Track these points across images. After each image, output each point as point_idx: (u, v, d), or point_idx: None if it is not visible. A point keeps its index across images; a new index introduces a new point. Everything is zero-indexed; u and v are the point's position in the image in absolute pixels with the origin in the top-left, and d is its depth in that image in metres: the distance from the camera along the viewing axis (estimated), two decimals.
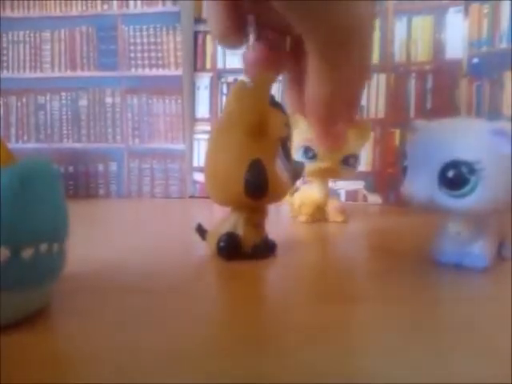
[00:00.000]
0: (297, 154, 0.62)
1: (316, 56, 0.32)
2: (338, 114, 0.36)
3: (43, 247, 0.27)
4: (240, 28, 0.35)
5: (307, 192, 0.68)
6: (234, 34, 0.36)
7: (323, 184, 0.66)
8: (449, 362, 0.24)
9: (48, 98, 0.99)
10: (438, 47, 0.89)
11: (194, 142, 0.98)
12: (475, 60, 0.85)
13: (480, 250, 0.40)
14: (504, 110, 0.79)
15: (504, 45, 0.80)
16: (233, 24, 0.35)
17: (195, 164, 0.97)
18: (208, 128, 0.97)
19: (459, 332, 0.28)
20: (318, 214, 0.67)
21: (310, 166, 0.60)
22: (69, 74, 0.98)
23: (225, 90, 0.98)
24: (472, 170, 0.36)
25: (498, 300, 0.34)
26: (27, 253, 0.26)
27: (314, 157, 0.61)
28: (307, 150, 0.61)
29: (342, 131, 0.40)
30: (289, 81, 0.40)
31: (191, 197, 0.96)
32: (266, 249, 0.46)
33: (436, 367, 0.23)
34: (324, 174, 0.63)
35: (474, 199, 0.36)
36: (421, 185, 0.38)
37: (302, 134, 0.60)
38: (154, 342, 0.26)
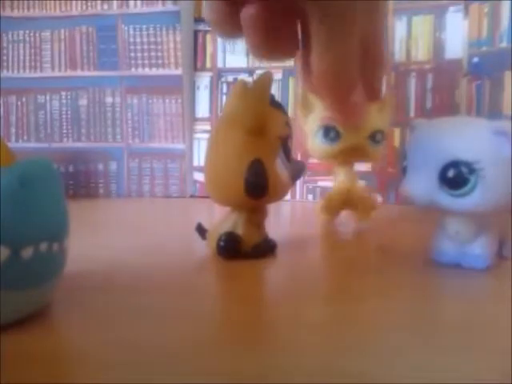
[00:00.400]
0: (316, 138, 0.57)
1: (316, 21, 0.31)
2: (350, 85, 0.34)
3: (43, 246, 0.27)
4: (236, 13, 0.33)
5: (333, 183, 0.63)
6: (228, 21, 0.35)
7: (349, 169, 0.59)
8: (449, 361, 0.24)
9: (48, 97, 0.99)
10: (438, 46, 0.89)
11: (194, 141, 0.98)
12: (475, 59, 0.85)
13: (480, 250, 0.40)
14: (504, 110, 0.79)
15: (504, 44, 0.80)
16: (228, 9, 0.34)
17: (195, 163, 0.97)
18: (208, 127, 0.97)
19: (459, 332, 0.28)
20: (345, 204, 0.61)
21: (333, 148, 0.55)
22: (69, 73, 0.98)
23: (225, 90, 0.98)
24: (472, 169, 0.36)
25: (499, 300, 0.34)
26: (27, 252, 0.26)
27: (336, 137, 0.55)
28: (328, 130, 0.55)
29: (360, 103, 0.37)
30: (300, 58, 0.39)
31: (191, 196, 0.96)
32: (266, 248, 0.46)
33: (436, 366, 0.23)
34: (350, 155, 0.56)
35: (473, 199, 0.36)
36: (421, 184, 0.38)
37: (319, 115, 0.56)
38: (153, 340, 0.26)
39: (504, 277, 0.40)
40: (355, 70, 0.32)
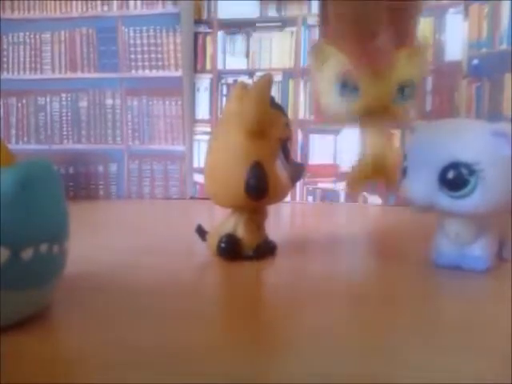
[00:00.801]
0: (330, 94, 0.46)
1: None
2: (373, 28, 0.31)
3: (43, 248, 0.27)
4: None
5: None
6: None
7: (377, 131, 0.47)
8: (449, 360, 0.24)
9: (48, 99, 0.99)
10: (437, 48, 0.89)
11: (194, 143, 0.98)
12: (475, 61, 0.85)
13: (480, 252, 0.40)
14: (504, 112, 0.79)
15: (504, 46, 0.80)
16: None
17: (195, 165, 0.97)
18: (208, 129, 0.97)
19: (459, 332, 0.28)
20: (376, 174, 0.49)
21: (353, 105, 0.44)
22: (69, 75, 0.99)
23: (225, 92, 0.98)
24: (472, 171, 0.36)
25: (499, 301, 0.34)
26: (27, 253, 0.26)
27: (355, 92, 0.44)
28: (345, 84, 0.44)
29: (386, 49, 0.32)
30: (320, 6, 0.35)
31: (191, 198, 0.96)
32: (266, 250, 0.46)
33: (436, 366, 0.23)
34: (374, 113, 0.45)
35: (473, 200, 0.36)
36: (421, 186, 0.38)
37: (334, 68, 0.45)
38: (153, 341, 0.26)
39: (504, 278, 0.40)
40: (381, 12, 0.29)
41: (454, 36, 0.88)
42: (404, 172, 0.40)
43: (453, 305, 0.34)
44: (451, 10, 0.88)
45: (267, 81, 0.41)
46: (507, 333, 0.27)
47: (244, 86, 0.43)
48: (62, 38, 0.98)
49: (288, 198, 0.93)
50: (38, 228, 0.26)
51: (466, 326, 0.29)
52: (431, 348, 0.26)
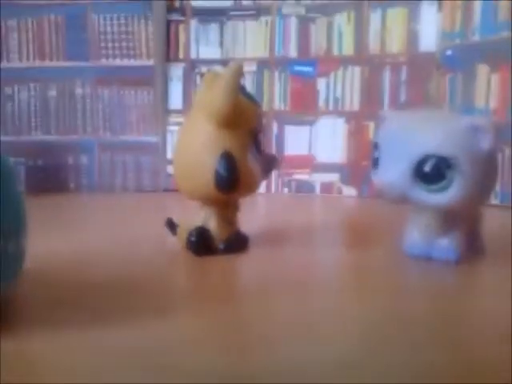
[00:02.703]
0: None
1: None
2: None
3: None
4: None
5: None
6: None
7: None
8: (421, 353, 0.24)
9: (16, 89, 0.96)
10: (412, 39, 0.89)
11: (167, 134, 0.96)
12: (448, 52, 0.85)
13: (450, 243, 0.40)
14: (476, 103, 0.79)
15: (477, 37, 0.81)
16: None
17: (169, 156, 0.95)
18: (181, 120, 0.95)
19: (429, 324, 0.28)
20: None
21: None
22: (37, 64, 0.95)
23: (198, 81, 0.96)
24: (448, 164, 0.36)
25: (469, 293, 0.34)
26: None
27: None
28: None
29: None
30: None
31: (165, 190, 0.94)
32: (237, 244, 0.45)
33: (405, 358, 0.23)
34: None
35: (450, 194, 0.36)
36: (395, 178, 0.37)
37: None
38: (122, 340, 0.25)
39: (475, 270, 0.40)
40: None
41: (427, 27, 0.88)
42: (375, 162, 0.39)
43: (421, 296, 0.33)
44: (425, 2, 0.88)
45: (237, 69, 0.40)
46: (475, 325, 0.27)
47: (214, 74, 0.42)
48: (30, 26, 0.95)
49: (263, 189, 0.92)
50: None
51: (429, 319, 0.29)
52: (402, 339, 0.25)
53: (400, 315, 0.30)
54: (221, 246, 0.43)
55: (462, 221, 0.40)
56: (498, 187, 0.71)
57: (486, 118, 0.37)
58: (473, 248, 0.43)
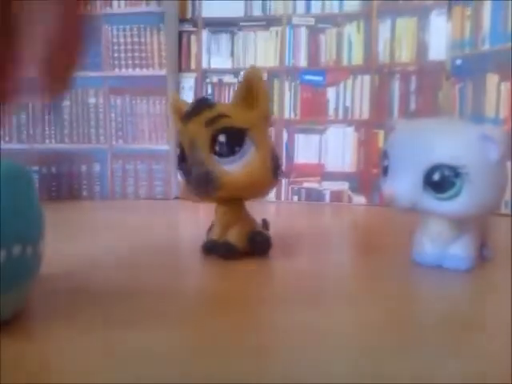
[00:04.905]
0: None
1: None
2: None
3: (16, 249, 0.26)
4: None
5: None
6: None
7: None
8: (430, 359, 0.24)
9: None
10: (421, 48, 0.89)
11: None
12: (458, 61, 0.86)
13: (462, 251, 0.40)
14: (486, 112, 0.79)
15: (486, 46, 0.81)
16: None
17: None
18: None
19: (443, 331, 0.28)
20: None
21: None
22: None
23: (210, 91, 0.97)
24: (457, 173, 0.36)
25: (480, 300, 0.34)
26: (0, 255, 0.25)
27: None
28: None
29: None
30: None
31: (176, 198, 0.95)
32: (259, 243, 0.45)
33: (416, 364, 0.23)
34: None
35: (459, 202, 0.36)
36: (404, 186, 0.37)
37: None
38: (138, 344, 0.26)
39: (486, 278, 0.40)
40: None
41: (437, 36, 0.88)
42: (385, 171, 0.40)
43: (432, 304, 0.34)
44: (435, 11, 0.88)
45: (257, 72, 0.42)
46: (489, 332, 0.27)
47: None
48: None
49: (273, 197, 0.93)
50: (11, 229, 0.26)
51: (443, 326, 0.29)
52: (410, 345, 0.25)
53: (414, 322, 0.30)
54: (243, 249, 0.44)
55: (472, 228, 0.41)
56: (508, 196, 0.71)
57: (496, 127, 0.37)
58: (481, 256, 0.43)
